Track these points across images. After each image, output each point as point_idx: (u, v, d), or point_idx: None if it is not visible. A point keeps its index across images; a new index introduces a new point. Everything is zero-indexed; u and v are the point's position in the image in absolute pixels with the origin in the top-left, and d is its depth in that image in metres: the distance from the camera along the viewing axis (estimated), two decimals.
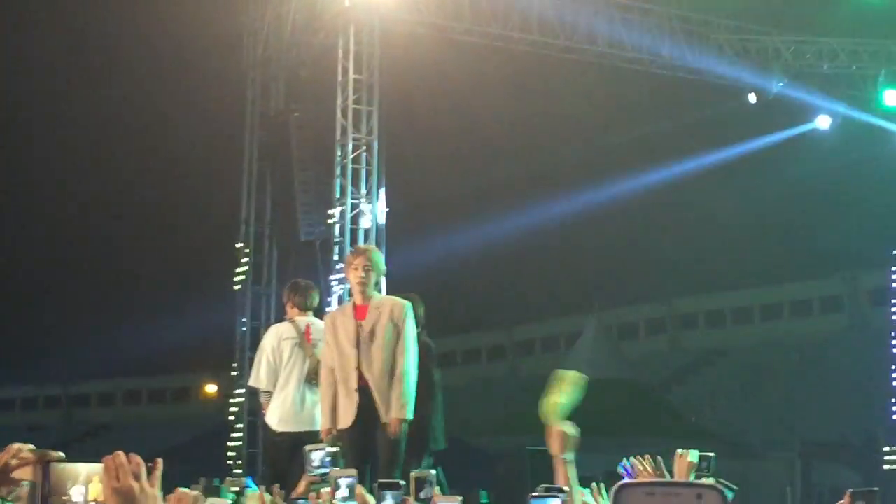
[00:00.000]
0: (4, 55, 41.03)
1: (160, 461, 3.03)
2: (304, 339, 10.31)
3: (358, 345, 9.00)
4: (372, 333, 8.99)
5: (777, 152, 28.57)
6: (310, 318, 10.47)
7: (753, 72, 24.75)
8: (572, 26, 23.23)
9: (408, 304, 9.19)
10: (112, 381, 59.78)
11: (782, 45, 24.84)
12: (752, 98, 24.83)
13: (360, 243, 19.82)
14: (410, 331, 9.11)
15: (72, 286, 48.44)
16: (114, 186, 45.66)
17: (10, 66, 41.37)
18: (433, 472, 5.39)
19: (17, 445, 3.37)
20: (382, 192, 21.73)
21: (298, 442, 8.45)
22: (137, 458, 2.97)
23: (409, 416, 8.96)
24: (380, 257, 9.42)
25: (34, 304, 49.01)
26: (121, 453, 2.96)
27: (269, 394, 10.33)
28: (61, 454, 3.36)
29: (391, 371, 8.99)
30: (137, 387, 60.67)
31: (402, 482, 5.08)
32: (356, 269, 9.13)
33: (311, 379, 10.10)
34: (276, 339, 10.36)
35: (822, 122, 25.91)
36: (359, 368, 8.99)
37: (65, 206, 46.97)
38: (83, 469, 3.71)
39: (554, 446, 5.06)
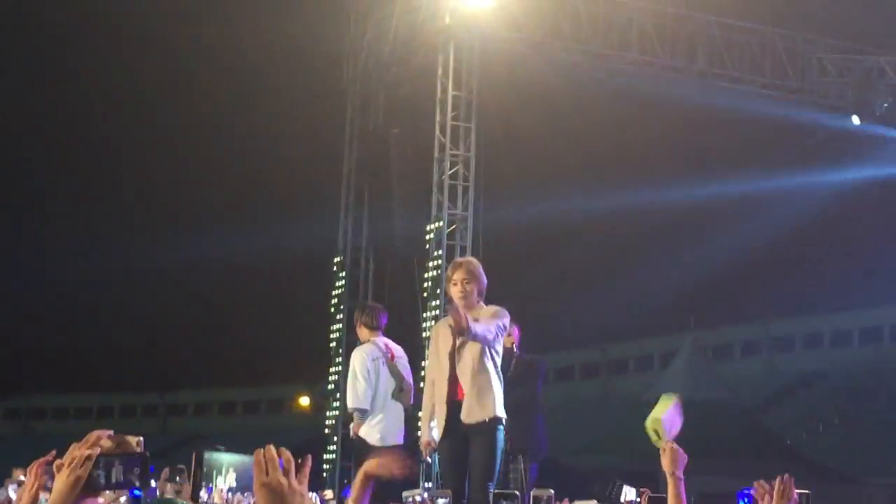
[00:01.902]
0: (109, 67, 41.85)
1: (310, 458, 3.03)
2: (389, 358, 10.54)
3: (454, 357, 8.97)
4: (465, 345, 8.92)
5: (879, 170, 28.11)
6: (384, 338, 10.68)
7: (856, 91, 24.41)
8: (672, 44, 23.13)
9: (502, 310, 9.05)
10: (208, 391, 60.48)
11: (887, 65, 24.47)
12: (855, 120, 24.47)
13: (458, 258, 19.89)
14: (496, 330, 8.92)
15: (169, 297, 49.14)
16: (213, 199, 46.27)
17: (113, 78, 42.19)
18: (551, 491, 5.32)
19: (96, 433, 3.42)
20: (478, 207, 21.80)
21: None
22: (288, 454, 2.94)
23: (499, 413, 8.91)
24: (479, 269, 9.25)
25: (136, 315, 49.78)
26: (271, 447, 2.95)
27: (364, 412, 10.47)
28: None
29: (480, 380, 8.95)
30: (232, 398, 61.32)
31: (517, 493, 5.02)
32: (455, 283, 9.03)
33: (397, 395, 10.34)
34: (368, 360, 10.52)
35: None
36: (454, 380, 8.96)
37: (160, 216, 47.67)
38: (226, 459, 3.82)
39: (667, 463, 5.02)
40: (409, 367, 10.79)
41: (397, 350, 10.69)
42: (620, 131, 36.25)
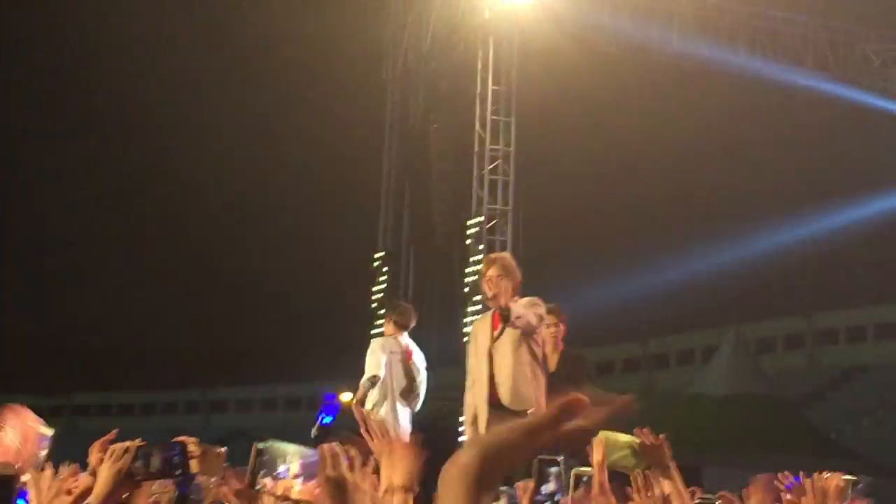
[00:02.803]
0: (151, 64, 42.08)
1: (374, 458, 3.05)
2: (406, 357, 10.46)
3: (491, 355, 8.90)
4: (502, 342, 8.87)
5: None
6: (409, 339, 10.65)
7: None
8: (714, 38, 23.00)
9: (536, 300, 8.94)
10: (250, 388, 60.71)
11: None
12: None
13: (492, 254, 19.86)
14: (536, 323, 8.85)
15: (209, 294, 49.37)
16: (253, 194, 46.44)
17: (150, 72, 42.40)
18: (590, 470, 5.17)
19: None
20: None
21: None
22: (353, 450, 2.97)
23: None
24: (513, 264, 9.15)
25: (177, 312, 50.03)
26: (337, 444, 2.98)
27: (376, 378, 10.48)
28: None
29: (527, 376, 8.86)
30: (273, 394, 61.50)
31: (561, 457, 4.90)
32: (489, 279, 8.92)
33: (405, 396, 10.28)
34: (385, 350, 10.52)
35: None
36: (492, 378, 8.86)
37: (202, 215, 47.87)
38: (292, 450, 3.87)
39: (666, 455, 4.92)
40: (424, 374, 10.69)
41: (417, 353, 10.67)
42: (660, 125, 36.08)
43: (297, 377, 56.43)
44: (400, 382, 10.47)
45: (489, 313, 9.30)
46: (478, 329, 9.22)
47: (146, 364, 51.02)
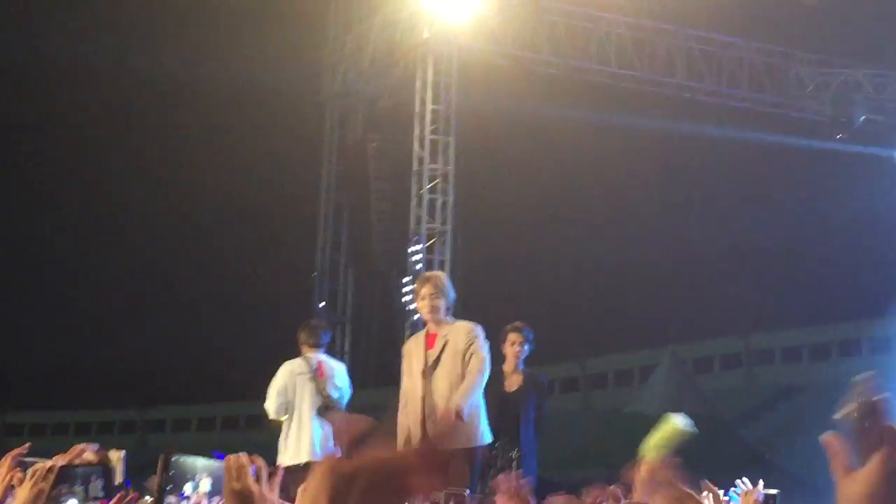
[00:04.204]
0: (84, 87, 41.74)
1: (281, 469, 2.97)
2: (317, 375, 10.39)
3: (425, 374, 8.75)
4: (437, 362, 8.72)
5: (855, 184, 28.23)
6: (322, 356, 10.58)
7: (834, 105, 24.51)
8: (650, 58, 23.19)
9: (477, 326, 8.83)
10: (187, 407, 60.25)
11: (864, 78, 24.57)
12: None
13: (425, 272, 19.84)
14: (477, 346, 8.72)
15: (146, 313, 48.95)
16: (189, 213, 46.13)
17: (84, 94, 42.07)
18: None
19: (80, 446, 3.40)
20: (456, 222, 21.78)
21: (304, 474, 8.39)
22: (260, 461, 2.89)
23: (481, 441, 8.72)
24: (448, 283, 9.08)
25: (113, 330, 49.57)
26: (243, 455, 2.89)
27: (267, 412, 10.57)
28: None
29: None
30: (211, 413, 61.07)
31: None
32: (423, 298, 8.85)
33: (323, 413, 10.19)
34: (289, 374, 10.43)
35: None
36: (424, 399, 8.71)
37: (137, 236, 47.51)
38: (201, 465, 3.76)
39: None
40: (346, 386, 10.58)
41: (331, 368, 10.49)
42: (598, 144, 36.29)
43: (235, 396, 56.08)
44: (313, 401, 10.34)
45: (422, 332, 9.20)
46: (411, 349, 9.07)
47: (80, 383, 50.44)
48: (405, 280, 21.59)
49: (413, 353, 8.96)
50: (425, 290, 8.88)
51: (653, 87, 23.74)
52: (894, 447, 1.89)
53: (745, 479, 5.77)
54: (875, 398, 2.09)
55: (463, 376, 8.67)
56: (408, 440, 8.65)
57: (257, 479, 2.86)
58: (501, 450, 9.81)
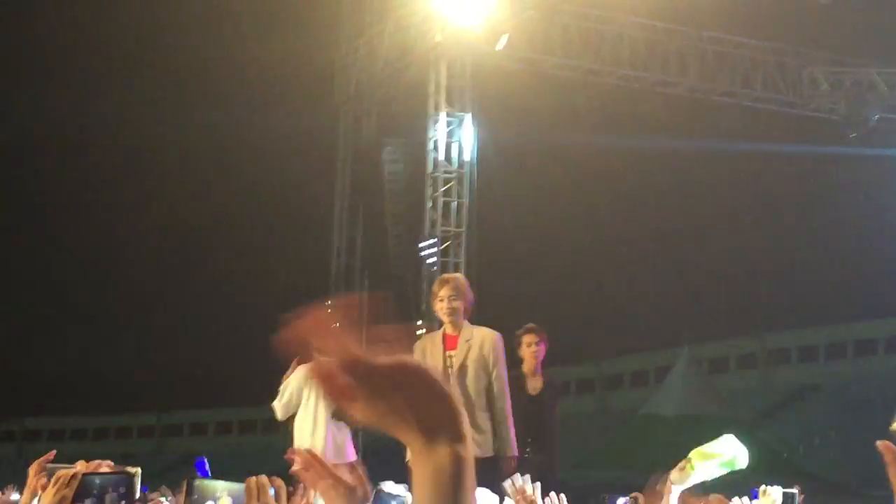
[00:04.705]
0: (105, 85, 41.88)
1: (302, 486, 3.03)
2: None
3: (447, 376, 8.54)
4: (462, 367, 8.62)
5: (870, 184, 28.18)
6: None
7: (848, 104, 24.44)
8: (663, 60, 23.17)
9: (500, 339, 8.75)
10: (204, 412, 60.37)
11: (878, 78, 24.51)
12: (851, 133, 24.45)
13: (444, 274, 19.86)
14: (502, 364, 8.71)
15: (165, 318, 49.08)
16: (205, 218, 46.23)
17: (104, 93, 42.20)
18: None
19: (97, 462, 3.45)
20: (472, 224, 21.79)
21: None
22: (280, 482, 2.96)
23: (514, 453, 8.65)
24: (466, 285, 8.94)
25: (130, 335, 49.71)
26: (263, 476, 2.96)
27: (273, 411, 10.66)
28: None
29: (484, 406, 8.61)
30: (229, 417, 61.18)
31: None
32: (442, 300, 8.72)
33: (340, 417, 10.20)
34: (305, 377, 10.44)
35: None
36: None
37: (155, 238, 47.64)
38: (221, 486, 3.82)
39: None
40: None
41: None
42: (612, 146, 36.29)
43: (252, 401, 56.14)
44: (328, 404, 10.37)
45: (438, 332, 9.06)
46: (426, 346, 8.93)
47: (99, 388, 50.60)
48: (424, 282, 21.58)
49: (429, 351, 8.80)
50: (444, 292, 8.77)
51: (666, 88, 23.74)
52: None
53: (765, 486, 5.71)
54: None
55: (487, 388, 8.64)
56: None
57: (277, 499, 2.93)
58: (531, 454, 9.72)
